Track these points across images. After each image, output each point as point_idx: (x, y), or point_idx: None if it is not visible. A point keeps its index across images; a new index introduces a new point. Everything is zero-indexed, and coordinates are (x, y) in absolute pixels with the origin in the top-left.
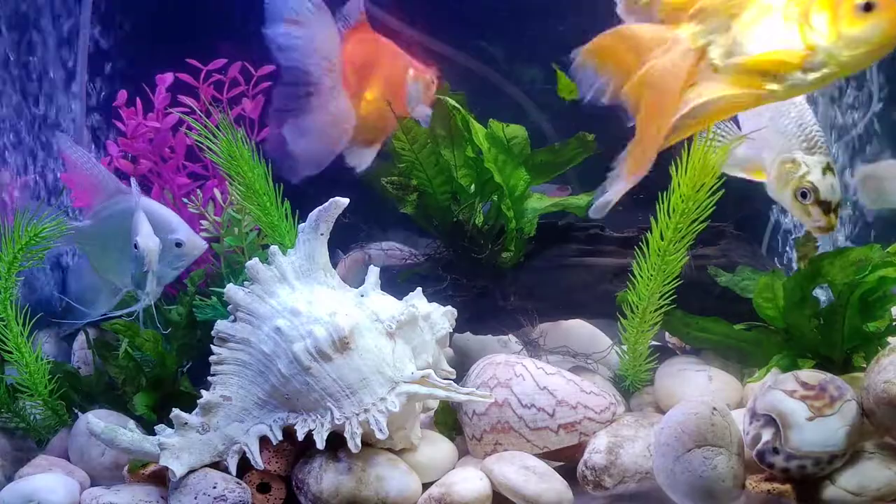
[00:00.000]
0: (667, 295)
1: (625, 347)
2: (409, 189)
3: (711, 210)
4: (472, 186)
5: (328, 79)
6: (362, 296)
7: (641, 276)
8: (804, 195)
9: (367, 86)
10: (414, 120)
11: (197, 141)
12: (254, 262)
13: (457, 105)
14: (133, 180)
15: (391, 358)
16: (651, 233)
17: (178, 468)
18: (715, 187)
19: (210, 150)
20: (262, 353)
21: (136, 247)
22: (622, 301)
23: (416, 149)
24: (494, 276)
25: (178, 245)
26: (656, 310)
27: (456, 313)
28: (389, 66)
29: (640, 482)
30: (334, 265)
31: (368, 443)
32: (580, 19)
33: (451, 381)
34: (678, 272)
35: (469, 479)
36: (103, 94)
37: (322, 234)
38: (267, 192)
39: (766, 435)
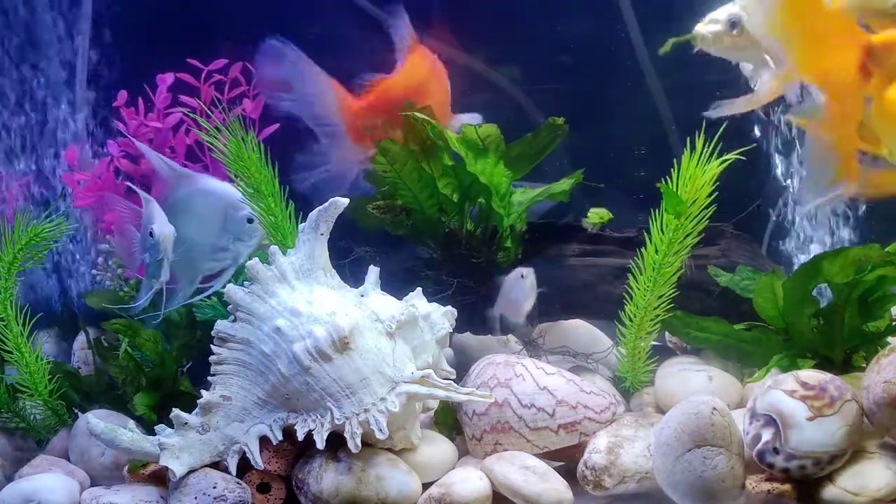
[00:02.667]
0: (663, 305)
1: (623, 351)
2: (396, 210)
3: (704, 225)
4: (454, 195)
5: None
6: (362, 296)
7: (638, 288)
8: None
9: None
10: (390, 140)
11: (207, 140)
12: (254, 262)
13: (426, 117)
14: (152, 157)
15: (391, 358)
16: (647, 244)
17: (178, 468)
18: (706, 203)
19: (217, 149)
20: (262, 353)
21: (151, 234)
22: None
23: (398, 168)
24: (494, 277)
25: (250, 221)
26: (652, 319)
27: (456, 313)
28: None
29: (640, 482)
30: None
31: (368, 443)
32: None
33: (451, 381)
34: (674, 282)
35: (469, 479)
36: (103, 93)
37: (322, 234)
38: (273, 194)
39: (766, 435)
